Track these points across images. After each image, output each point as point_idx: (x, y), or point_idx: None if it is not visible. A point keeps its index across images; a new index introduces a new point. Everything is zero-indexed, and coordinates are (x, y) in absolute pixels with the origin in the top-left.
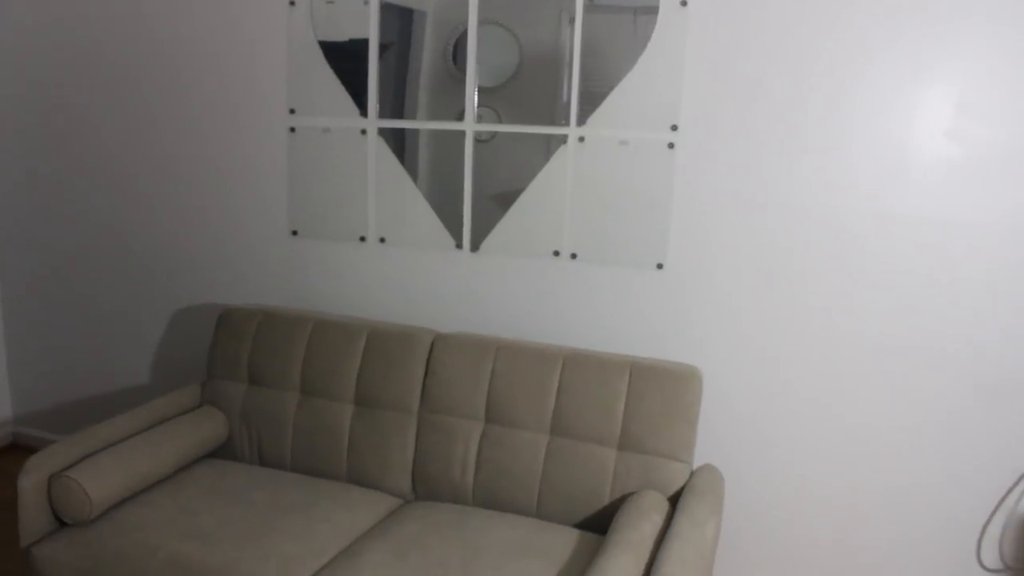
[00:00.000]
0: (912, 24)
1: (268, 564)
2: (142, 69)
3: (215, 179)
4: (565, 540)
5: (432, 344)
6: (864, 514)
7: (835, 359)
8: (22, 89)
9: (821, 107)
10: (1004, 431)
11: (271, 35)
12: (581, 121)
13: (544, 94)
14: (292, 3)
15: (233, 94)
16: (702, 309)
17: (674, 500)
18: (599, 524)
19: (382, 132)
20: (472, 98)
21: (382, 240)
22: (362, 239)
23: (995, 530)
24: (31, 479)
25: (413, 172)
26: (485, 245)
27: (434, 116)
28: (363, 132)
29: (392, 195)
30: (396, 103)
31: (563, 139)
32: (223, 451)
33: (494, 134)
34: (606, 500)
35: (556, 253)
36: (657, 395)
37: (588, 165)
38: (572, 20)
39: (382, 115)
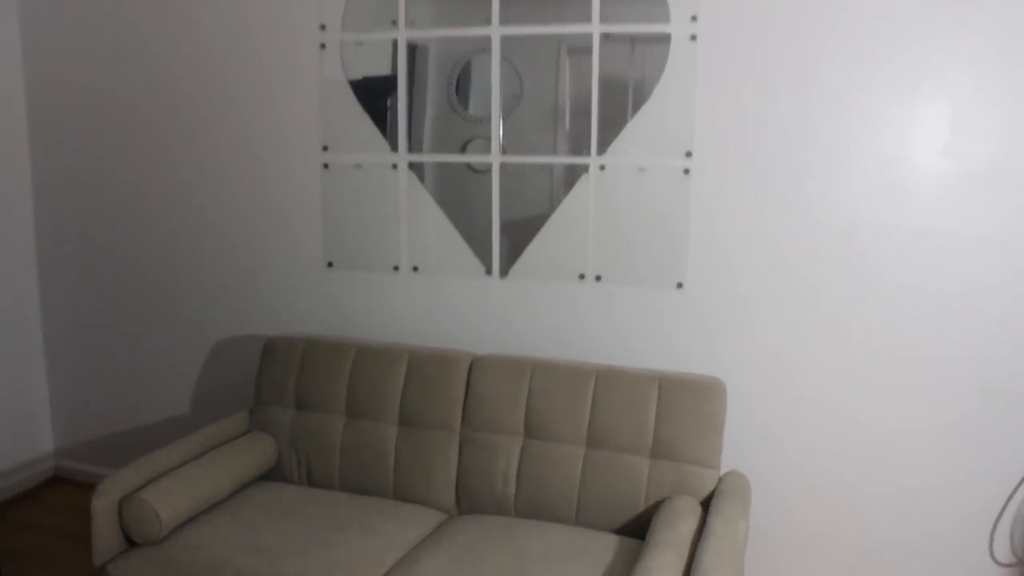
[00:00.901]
0: (907, 48)
1: (335, 574)
2: (182, 113)
3: (253, 215)
4: (607, 544)
5: (471, 365)
6: (881, 514)
7: (848, 367)
8: (70, 134)
9: (825, 130)
10: (1011, 433)
11: (304, 77)
12: (601, 151)
13: (548, 124)
14: (323, 46)
15: (269, 134)
16: (721, 324)
17: (705, 504)
18: (636, 529)
19: (412, 166)
20: (498, 130)
21: (415, 269)
22: (395, 268)
23: (1006, 526)
24: (103, 501)
25: (442, 203)
26: (514, 271)
27: (439, 147)
28: (394, 167)
29: (423, 225)
30: (416, 136)
31: (584, 168)
32: (273, 474)
33: (488, 165)
34: (641, 506)
35: (581, 276)
36: (685, 406)
37: (609, 192)
38: (586, 53)
39: (409, 149)
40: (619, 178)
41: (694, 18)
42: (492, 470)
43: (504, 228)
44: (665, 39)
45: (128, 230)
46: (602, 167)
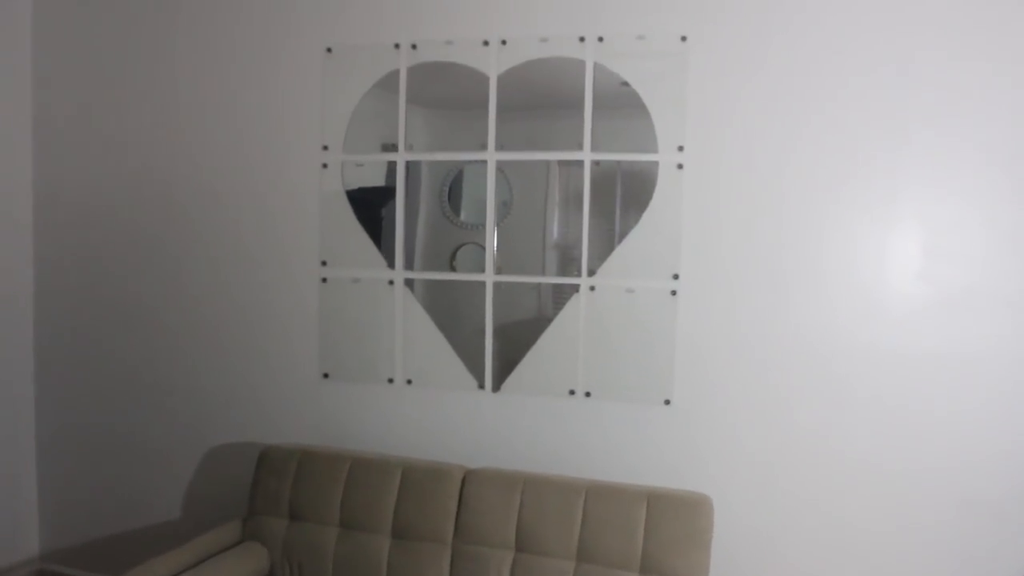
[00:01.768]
0: (880, 178)
1: None
2: (185, 224)
3: (252, 325)
4: None
5: (464, 479)
6: None
7: (831, 481)
8: (75, 239)
9: (805, 255)
10: (985, 545)
11: (305, 195)
12: (591, 272)
13: (537, 232)
14: (325, 166)
15: (271, 248)
16: (707, 440)
17: None
18: None
19: (408, 282)
20: (491, 248)
21: (409, 382)
22: (390, 381)
23: None
24: None
25: (436, 318)
26: (506, 385)
27: (431, 253)
28: (390, 283)
29: (417, 340)
30: (409, 243)
31: (575, 288)
32: None
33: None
34: None
35: (572, 392)
36: (673, 522)
37: (599, 311)
38: (576, 165)
39: (407, 266)
40: (609, 298)
41: (681, 148)
42: None
43: (496, 334)
44: (653, 167)
45: (127, 335)
46: (592, 288)
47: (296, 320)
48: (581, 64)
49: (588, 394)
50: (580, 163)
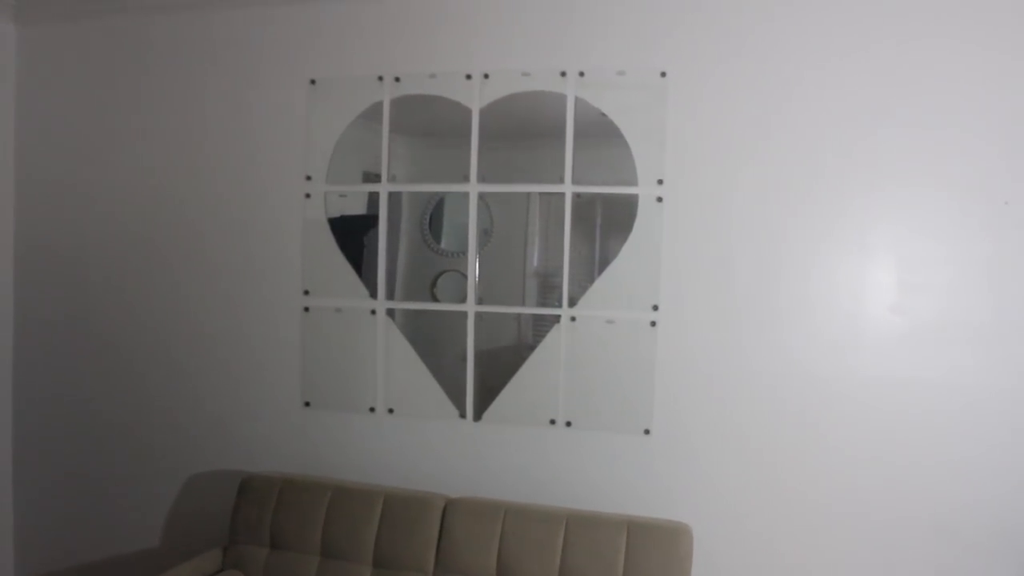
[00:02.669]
0: (855, 211)
1: None
2: (166, 257)
3: (233, 354)
4: None
5: (445, 508)
6: None
7: (807, 512)
8: (52, 272)
9: (783, 287)
10: (961, 571)
11: (288, 224)
12: (572, 302)
13: (518, 260)
14: (308, 195)
15: (254, 277)
16: (687, 469)
17: None
18: None
19: (389, 312)
20: (473, 278)
21: (390, 411)
22: (371, 410)
23: None
24: None
25: (418, 347)
26: (487, 415)
27: (412, 280)
28: (372, 312)
29: (399, 369)
30: (390, 272)
31: (556, 318)
32: None
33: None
34: None
35: (552, 421)
36: (653, 551)
37: (579, 342)
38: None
39: (388, 294)
40: (589, 329)
41: (660, 181)
42: None
43: (477, 363)
44: (633, 199)
45: (108, 362)
46: (573, 318)
47: (278, 349)
48: (562, 98)
49: (569, 424)
50: (561, 195)
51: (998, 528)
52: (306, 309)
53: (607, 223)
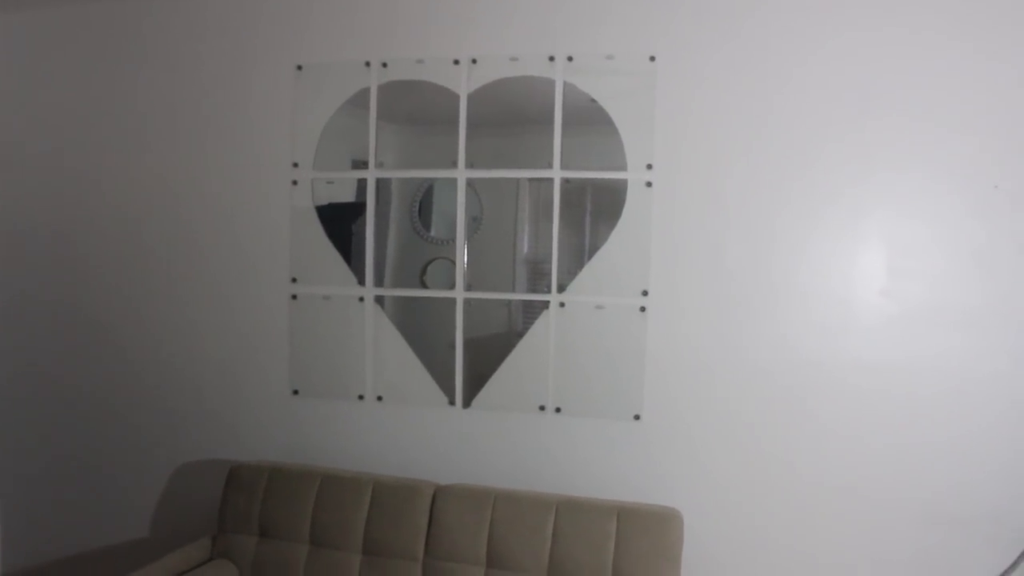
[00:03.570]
0: (846, 196)
1: None
2: (151, 243)
3: (220, 342)
4: None
5: (434, 495)
6: None
7: (797, 498)
8: (30, 261)
9: (773, 271)
10: (955, 559)
11: (275, 211)
12: (561, 289)
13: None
14: (295, 183)
15: (240, 265)
16: (676, 455)
17: None
18: None
19: (378, 299)
20: (462, 264)
21: (379, 398)
22: (360, 397)
23: None
24: None
25: (407, 334)
26: (476, 401)
27: (401, 269)
28: (360, 299)
29: (388, 356)
30: (379, 258)
31: (545, 304)
32: None
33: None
34: None
35: (542, 407)
36: (643, 536)
37: (569, 328)
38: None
39: (377, 282)
40: (578, 314)
41: (649, 166)
42: None
43: (466, 350)
44: (623, 185)
45: (93, 350)
46: (562, 304)
47: (266, 337)
48: (551, 83)
49: (558, 410)
50: (550, 180)
51: (988, 510)
52: (294, 297)
53: (596, 209)
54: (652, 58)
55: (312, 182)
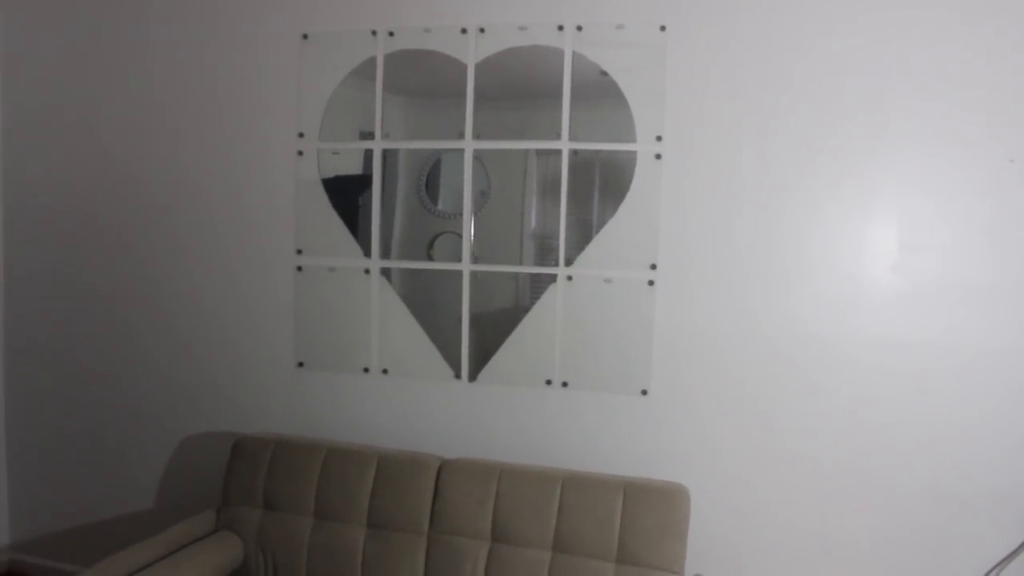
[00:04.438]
0: (858, 169)
1: None
2: (155, 213)
3: (226, 314)
4: None
5: (439, 469)
6: None
7: (805, 473)
8: (42, 232)
9: (784, 245)
10: (961, 538)
11: (280, 182)
12: (569, 262)
13: (515, 222)
14: (300, 153)
15: (245, 237)
16: (684, 430)
17: None
18: None
19: (384, 271)
20: (468, 237)
21: (385, 371)
22: (366, 370)
23: None
24: None
25: (413, 307)
26: (482, 375)
27: (408, 243)
28: (366, 271)
29: (393, 329)
30: (386, 232)
31: (552, 278)
32: (239, 574)
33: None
34: None
35: (548, 382)
36: (649, 512)
37: (576, 301)
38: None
39: (383, 255)
40: (586, 288)
41: (659, 138)
42: (459, 574)
43: (473, 323)
44: (631, 157)
45: (99, 324)
46: (569, 277)
47: (271, 309)
48: (559, 53)
49: (565, 384)
50: (558, 152)
51: (995, 489)
52: (299, 268)
53: (605, 182)
54: (663, 27)
55: (318, 152)
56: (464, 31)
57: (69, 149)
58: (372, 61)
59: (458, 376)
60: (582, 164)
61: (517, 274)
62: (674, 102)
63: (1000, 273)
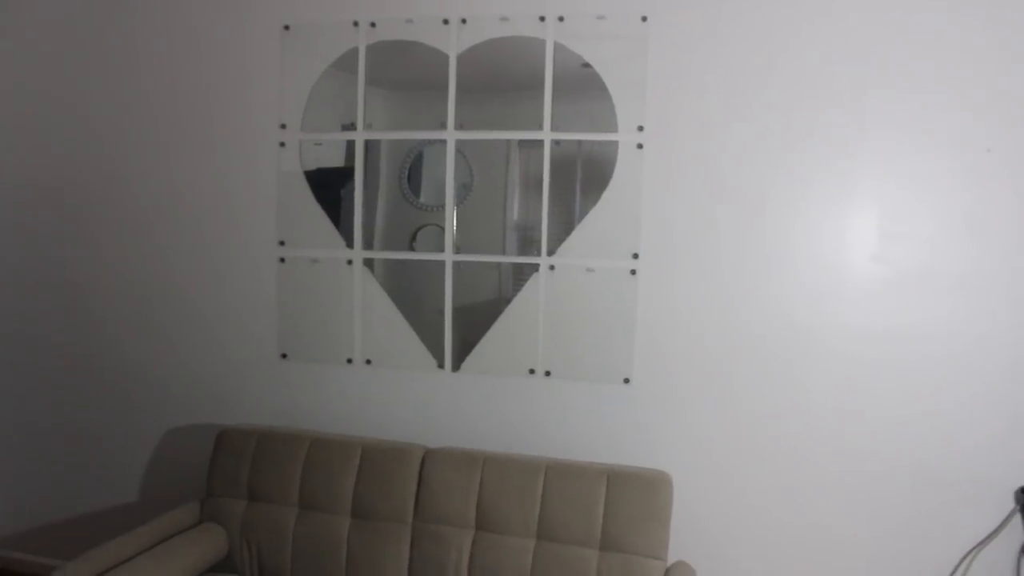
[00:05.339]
0: (835, 161)
1: None
2: (135, 204)
3: (208, 306)
4: None
5: (423, 458)
6: None
7: (787, 460)
8: (16, 223)
9: (765, 234)
10: (940, 520)
11: (262, 174)
12: (551, 252)
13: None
14: (282, 144)
15: (227, 228)
16: (666, 418)
17: None
18: None
19: (367, 262)
20: (451, 227)
21: (368, 362)
22: (349, 361)
23: None
24: None
25: (396, 298)
26: (465, 365)
27: (391, 235)
28: (349, 262)
29: (377, 320)
30: (368, 224)
31: (535, 267)
32: (225, 566)
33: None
34: None
35: (531, 371)
36: (633, 499)
37: (559, 291)
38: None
39: (366, 247)
40: (568, 278)
41: (641, 128)
42: (444, 562)
43: (456, 315)
44: (613, 147)
45: (81, 316)
46: (552, 267)
47: (254, 300)
48: (541, 43)
49: (548, 373)
50: (540, 144)
51: (978, 476)
52: (282, 260)
53: (587, 172)
54: (644, 18)
55: (300, 143)
56: (446, 22)
57: (48, 141)
58: (354, 52)
59: (441, 366)
60: (564, 155)
61: (500, 264)
62: (656, 92)
63: (980, 261)
